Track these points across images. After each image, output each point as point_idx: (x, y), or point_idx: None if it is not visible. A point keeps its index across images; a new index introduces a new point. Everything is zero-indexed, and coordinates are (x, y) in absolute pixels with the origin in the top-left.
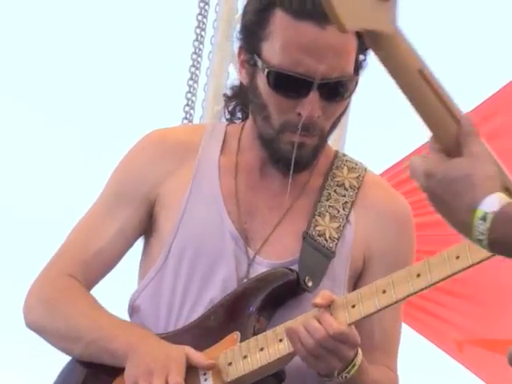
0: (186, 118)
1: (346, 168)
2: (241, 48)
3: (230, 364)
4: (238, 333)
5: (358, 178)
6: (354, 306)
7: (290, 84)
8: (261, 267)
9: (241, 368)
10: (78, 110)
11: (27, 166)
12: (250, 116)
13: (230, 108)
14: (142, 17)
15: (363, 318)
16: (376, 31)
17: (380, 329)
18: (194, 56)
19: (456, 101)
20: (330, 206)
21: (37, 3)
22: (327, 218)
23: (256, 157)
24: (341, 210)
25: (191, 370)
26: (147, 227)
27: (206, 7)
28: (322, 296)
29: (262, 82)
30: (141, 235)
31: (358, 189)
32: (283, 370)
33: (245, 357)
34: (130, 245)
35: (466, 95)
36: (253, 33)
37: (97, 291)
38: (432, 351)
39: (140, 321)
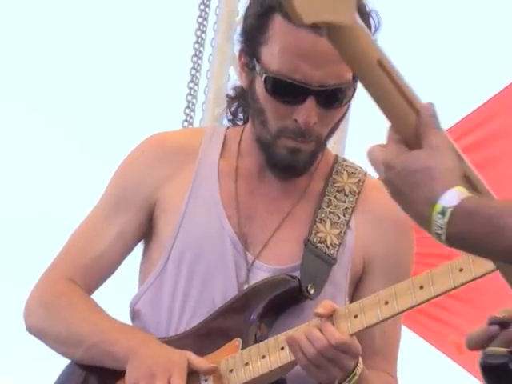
0: (186, 120)
1: (345, 173)
2: (241, 51)
3: (231, 371)
4: (239, 339)
5: (358, 182)
6: (356, 317)
7: (286, 90)
8: (260, 272)
9: (242, 375)
10: (78, 112)
11: (27, 166)
12: (250, 119)
13: (232, 109)
14: (142, 19)
15: (365, 329)
16: (334, 23)
17: (381, 333)
18: (195, 58)
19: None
20: (330, 212)
21: (37, 5)
22: (328, 224)
23: (255, 161)
24: (341, 216)
25: (192, 374)
26: (147, 231)
27: (207, 9)
28: (323, 306)
29: (259, 86)
30: (141, 239)
31: (359, 194)
32: (284, 378)
33: (246, 364)
34: (129, 249)
35: (467, 96)
36: (253, 37)
37: (97, 295)
38: (432, 353)
39: (141, 325)
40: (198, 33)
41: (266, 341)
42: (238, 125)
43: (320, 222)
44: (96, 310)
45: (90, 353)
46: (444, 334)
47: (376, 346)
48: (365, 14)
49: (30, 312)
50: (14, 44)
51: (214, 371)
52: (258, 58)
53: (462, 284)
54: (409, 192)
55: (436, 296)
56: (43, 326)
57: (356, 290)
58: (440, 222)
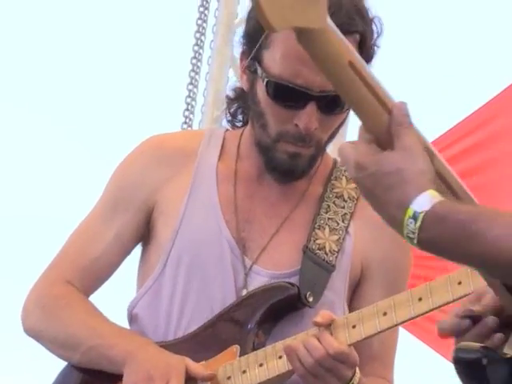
0: (185, 122)
1: (344, 178)
2: (243, 54)
3: (228, 378)
4: (237, 346)
5: (356, 188)
6: (354, 327)
7: (288, 95)
8: (258, 276)
9: (239, 383)
10: (78, 114)
11: (27, 166)
12: (249, 122)
13: (232, 110)
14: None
15: (363, 340)
16: (305, 28)
17: (378, 339)
18: (194, 61)
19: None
20: (329, 219)
21: (37, 6)
22: (327, 230)
23: (254, 164)
24: (340, 222)
25: (190, 381)
26: (145, 233)
27: (206, 12)
28: (322, 315)
29: (260, 90)
30: (139, 241)
31: (357, 200)
32: None
33: (244, 372)
34: (128, 251)
35: (468, 97)
36: (255, 40)
37: (95, 298)
38: (431, 356)
39: (139, 329)
40: (197, 35)
41: (263, 348)
42: (237, 126)
43: (319, 229)
44: (94, 313)
45: (88, 356)
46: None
47: (373, 352)
48: (368, 20)
49: (27, 313)
50: (15, 45)
51: (212, 378)
52: (259, 61)
53: (461, 297)
54: (381, 194)
55: (434, 309)
56: (41, 328)
57: (354, 295)
58: (412, 226)
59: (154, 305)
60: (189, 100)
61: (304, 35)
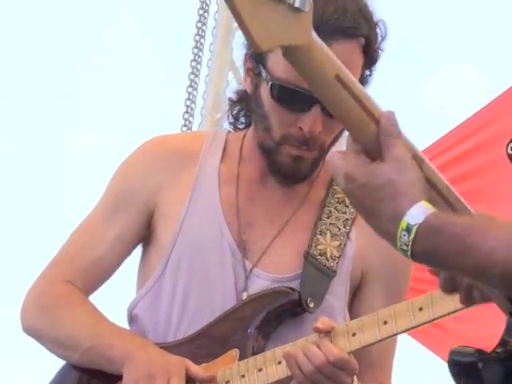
0: (185, 125)
1: None
2: (247, 56)
3: (227, 382)
4: (236, 350)
5: None
6: (354, 335)
7: (292, 98)
8: (259, 279)
9: None
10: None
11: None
12: (252, 124)
13: (234, 112)
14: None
15: (363, 348)
16: (292, 46)
17: (378, 346)
18: (194, 63)
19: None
20: (330, 224)
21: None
22: (328, 236)
23: (257, 167)
24: (341, 227)
25: (189, 382)
26: (146, 235)
27: (206, 15)
28: (322, 322)
29: (265, 92)
30: (139, 242)
31: None
32: None
33: (243, 376)
34: (128, 252)
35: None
36: None
37: (95, 298)
38: (431, 358)
39: (139, 330)
40: (197, 38)
41: (263, 353)
42: (239, 128)
43: (320, 234)
44: (94, 313)
45: (87, 356)
46: (442, 339)
47: (372, 358)
48: (372, 24)
49: (26, 312)
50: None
51: (211, 380)
52: (263, 63)
53: (462, 308)
54: (372, 206)
55: (435, 319)
56: (40, 327)
57: (354, 298)
58: (405, 238)
59: (154, 306)
60: (188, 103)
61: (290, 52)
